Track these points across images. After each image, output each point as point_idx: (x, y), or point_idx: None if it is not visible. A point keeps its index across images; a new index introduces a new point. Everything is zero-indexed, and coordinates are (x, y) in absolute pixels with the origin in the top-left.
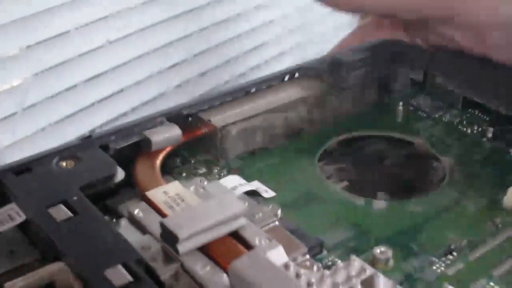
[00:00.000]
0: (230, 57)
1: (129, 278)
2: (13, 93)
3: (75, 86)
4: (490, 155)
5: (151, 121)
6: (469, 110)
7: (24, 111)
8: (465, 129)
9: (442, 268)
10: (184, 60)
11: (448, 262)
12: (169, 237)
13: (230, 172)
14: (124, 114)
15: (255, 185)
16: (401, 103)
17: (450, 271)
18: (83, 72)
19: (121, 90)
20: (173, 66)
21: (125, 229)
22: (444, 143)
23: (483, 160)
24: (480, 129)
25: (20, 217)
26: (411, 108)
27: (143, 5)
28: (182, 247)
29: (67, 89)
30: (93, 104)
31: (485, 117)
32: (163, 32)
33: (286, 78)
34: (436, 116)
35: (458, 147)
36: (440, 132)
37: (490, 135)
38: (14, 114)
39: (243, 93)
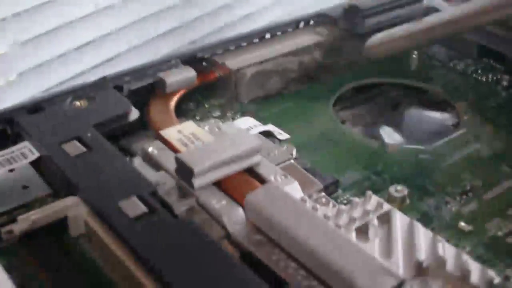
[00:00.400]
0: (220, 26)
1: (144, 209)
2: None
3: (64, 54)
4: (505, 103)
5: (166, 63)
6: (484, 59)
7: (12, 79)
8: (480, 77)
9: (458, 207)
10: (175, 27)
11: (463, 202)
12: (184, 172)
13: (244, 115)
14: None
15: (270, 127)
16: (415, 52)
17: (465, 210)
18: (72, 40)
19: (111, 58)
20: (164, 34)
21: (139, 166)
22: (459, 91)
23: (498, 107)
24: (495, 77)
25: (33, 155)
26: (426, 56)
27: None
28: (197, 181)
29: (57, 57)
30: (83, 73)
31: (500, 66)
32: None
33: (301, 24)
34: (451, 65)
35: (473, 95)
36: (455, 81)
37: (505, 83)
38: (1, 82)
39: (257, 38)
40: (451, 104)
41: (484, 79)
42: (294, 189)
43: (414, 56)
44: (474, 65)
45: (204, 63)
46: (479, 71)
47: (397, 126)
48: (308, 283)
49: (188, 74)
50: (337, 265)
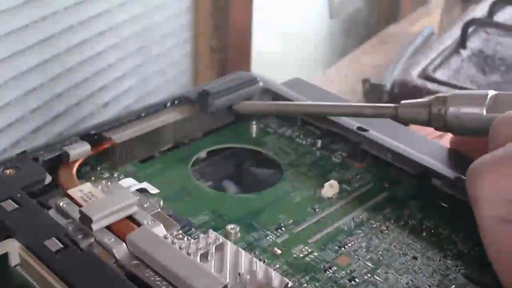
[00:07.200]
0: (79, 80)
1: (61, 245)
2: None
3: None
4: (317, 160)
5: (69, 140)
6: (305, 126)
7: None
8: (301, 141)
9: (274, 238)
10: (40, 84)
11: (278, 234)
12: (85, 220)
13: (126, 175)
14: None
15: (144, 185)
16: (254, 122)
17: (279, 240)
18: None
19: None
20: (31, 91)
21: (54, 216)
22: (284, 152)
23: (312, 163)
24: (312, 141)
25: None
26: (262, 125)
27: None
28: (95, 226)
29: None
30: None
31: (316, 130)
32: (21, 59)
33: (168, 104)
34: (280, 131)
35: (294, 154)
36: (282, 144)
37: (319, 145)
38: None
39: (136, 116)
40: (278, 163)
41: (304, 142)
42: (160, 230)
43: (253, 125)
44: (298, 131)
45: (95, 137)
46: (301, 136)
47: (238, 180)
48: None
49: (84, 147)
50: (185, 276)
